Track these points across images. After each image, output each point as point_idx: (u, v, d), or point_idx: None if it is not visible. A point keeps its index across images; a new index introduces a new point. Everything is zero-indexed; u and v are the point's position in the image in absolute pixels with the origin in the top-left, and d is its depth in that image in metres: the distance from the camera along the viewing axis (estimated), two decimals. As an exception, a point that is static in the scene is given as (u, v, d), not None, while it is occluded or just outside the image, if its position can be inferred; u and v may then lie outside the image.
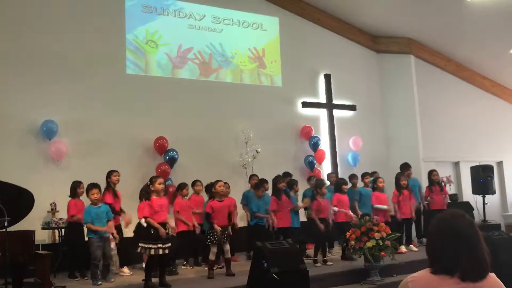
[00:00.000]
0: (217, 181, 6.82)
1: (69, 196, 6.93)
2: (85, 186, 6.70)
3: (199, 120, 9.75)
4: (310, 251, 8.01)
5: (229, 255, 6.77)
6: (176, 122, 9.50)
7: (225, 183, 7.12)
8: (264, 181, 7.96)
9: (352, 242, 6.54)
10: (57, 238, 7.61)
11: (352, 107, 11.73)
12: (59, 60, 8.66)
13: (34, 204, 6.46)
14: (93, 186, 6.37)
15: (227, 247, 6.69)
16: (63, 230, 7.33)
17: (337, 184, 8.10)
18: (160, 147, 9.10)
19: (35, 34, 8.53)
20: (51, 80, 8.54)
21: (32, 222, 7.01)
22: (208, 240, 6.61)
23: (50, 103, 8.46)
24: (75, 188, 6.90)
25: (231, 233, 6.85)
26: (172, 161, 9.11)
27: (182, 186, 7.63)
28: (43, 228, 7.50)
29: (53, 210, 7.85)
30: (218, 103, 10.10)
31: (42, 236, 7.71)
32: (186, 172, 8.98)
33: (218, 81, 10.35)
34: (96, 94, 8.87)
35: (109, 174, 7.16)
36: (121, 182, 7.47)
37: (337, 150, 11.27)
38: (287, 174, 8.71)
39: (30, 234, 6.41)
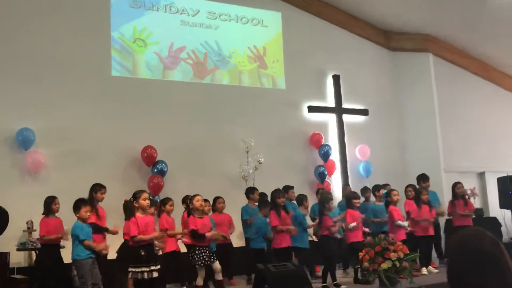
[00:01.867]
0: (195, 196, 6.83)
1: (43, 214, 6.87)
2: (65, 202, 6.66)
3: (193, 127, 9.76)
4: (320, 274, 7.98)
5: (220, 277, 6.73)
6: (167, 129, 9.50)
7: (218, 198, 7.08)
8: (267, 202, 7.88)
9: (366, 264, 6.50)
10: (34, 260, 7.55)
11: (363, 112, 11.75)
12: (36, 61, 8.67)
13: (8, 222, 6.48)
14: (85, 202, 6.34)
15: (217, 265, 6.66)
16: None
17: (348, 199, 8.07)
18: (148, 157, 9.09)
19: (8, 32, 8.56)
20: (27, 84, 8.55)
21: (6, 242, 7.02)
22: (193, 262, 6.59)
23: (26, 109, 8.46)
24: (49, 205, 6.80)
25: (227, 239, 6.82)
26: (160, 174, 9.08)
27: (165, 201, 7.58)
28: (18, 250, 7.46)
29: (30, 229, 7.80)
30: (215, 107, 10.10)
31: (18, 259, 7.66)
32: (177, 187, 8.96)
33: (214, 84, 10.36)
34: (78, 99, 8.88)
35: (95, 189, 7.01)
36: (106, 196, 7.44)
37: (347, 159, 11.27)
38: (287, 188, 8.67)
39: (3, 256, 6.41)
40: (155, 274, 5.81)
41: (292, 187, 8.72)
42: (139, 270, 5.79)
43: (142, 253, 5.83)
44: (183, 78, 10.08)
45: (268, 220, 7.54)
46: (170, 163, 9.24)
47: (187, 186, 8.78)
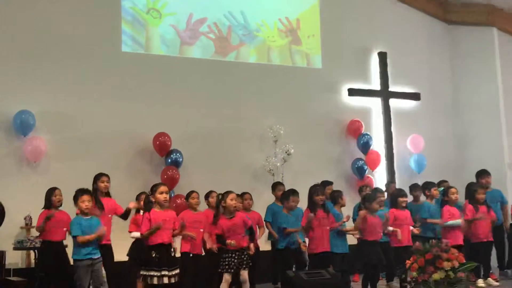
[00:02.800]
0: (228, 193, 6.82)
1: (43, 208, 7.05)
2: (68, 194, 6.79)
3: (213, 112, 9.82)
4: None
5: (247, 286, 6.78)
6: (183, 114, 9.59)
7: (244, 193, 7.11)
8: (292, 192, 7.93)
9: (414, 274, 6.45)
10: (33, 261, 7.74)
11: (414, 96, 11.66)
12: (36, 36, 8.82)
13: (4, 217, 6.64)
14: (83, 192, 6.46)
15: (245, 275, 6.70)
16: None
17: (393, 197, 8.03)
18: (161, 146, 9.20)
19: (4, 3, 8.68)
20: (26, 61, 8.71)
21: (2, 240, 7.21)
22: (221, 267, 6.63)
23: (26, 89, 8.63)
24: (49, 197, 7.01)
25: (252, 252, 6.81)
26: (175, 165, 9.19)
27: (188, 194, 7.71)
28: (15, 249, 7.63)
29: (28, 225, 7.98)
30: (239, 89, 10.14)
31: (15, 259, 7.87)
32: (192, 180, 9.04)
33: (238, 61, 10.38)
34: (83, 78, 9.01)
35: (95, 178, 7.25)
36: (114, 191, 7.57)
37: (394, 152, 11.20)
38: (326, 183, 8.66)
39: (-1, 256, 6.59)
40: (166, 280, 5.87)
41: (331, 183, 8.70)
42: (149, 273, 5.89)
43: (153, 255, 5.91)
44: (203, 55, 10.13)
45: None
46: (185, 153, 9.32)
47: (205, 179, 8.86)
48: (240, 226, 6.71)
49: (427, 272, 6.34)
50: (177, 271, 6.01)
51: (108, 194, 7.23)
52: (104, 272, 6.86)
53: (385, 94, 11.36)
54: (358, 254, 7.59)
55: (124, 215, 7.21)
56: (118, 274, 7.73)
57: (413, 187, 8.93)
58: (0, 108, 8.43)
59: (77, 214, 6.40)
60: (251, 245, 6.84)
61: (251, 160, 9.85)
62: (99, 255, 6.36)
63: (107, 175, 7.33)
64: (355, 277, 8.98)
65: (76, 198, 6.36)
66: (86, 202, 6.33)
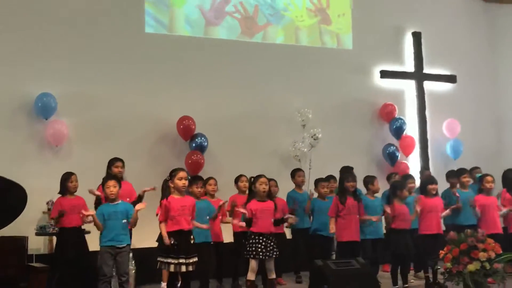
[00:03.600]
0: (259, 177, 6.88)
1: (58, 193, 7.20)
2: (91, 179, 6.94)
3: (239, 95, 9.86)
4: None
5: (273, 275, 6.85)
6: (208, 97, 9.63)
7: (269, 180, 7.16)
8: (328, 177, 7.98)
9: (448, 264, 6.44)
10: (54, 246, 7.88)
11: (450, 78, 11.56)
12: (58, 17, 8.93)
13: (26, 202, 6.78)
14: (107, 178, 6.59)
15: (271, 264, 6.76)
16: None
17: (422, 184, 8.02)
18: (185, 130, 9.27)
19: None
20: (48, 43, 8.82)
21: (24, 226, 7.33)
22: (248, 253, 6.70)
23: (47, 71, 8.75)
24: (64, 182, 7.15)
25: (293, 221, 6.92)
26: (199, 150, 9.27)
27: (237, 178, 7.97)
28: (37, 234, 7.81)
29: (50, 210, 8.09)
30: (266, 71, 10.15)
31: (37, 244, 8.03)
32: (217, 165, 9.13)
33: (265, 43, 10.39)
34: (105, 60, 9.11)
35: (110, 163, 7.44)
36: (136, 176, 7.67)
37: (428, 137, 11.14)
38: (349, 168, 8.63)
39: (21, 241, 6.72)
40: (183, 268, 5.98)
41: (351, 169, 8.69)
42: (166, 260, 6.00)
43: (172, 242, 6.01)
44: (228, 35, 10.15)
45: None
46: (210, 137, 9.40)
47: (230, 164, 8.92)
48: (270, 211, 6.79)
49: (462, 263, 6.32)
50: (195, 259, 6.11)
51: (121, 179, 7.30)
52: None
53: (419, 76, 11.28)
54: (386, 243, 7.63)
55: (136, 203, 7.27)
56: (146, 261, 7.93)
57: (450, 174, 8.89)
58: (21, 90, 8.55)
59: (102, 201, 6.58)
60: (291, 219, 6.96)
61: (278, 145, 9.89)
62: (126, 243, 6.47)
63: (121, 160, 7.51)
64: (385, 266, 9.00)
65: (102, 184, 6.51)
66: (111, 187, 6.45)
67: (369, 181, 7.91)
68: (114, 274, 6.52)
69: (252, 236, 6.68)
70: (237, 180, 8.07)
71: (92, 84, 8.96)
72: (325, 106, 10.29)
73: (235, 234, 7.95)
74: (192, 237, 6.16)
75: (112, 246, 6.35)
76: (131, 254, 7.61)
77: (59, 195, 7.23)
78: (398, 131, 10.73)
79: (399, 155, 10.64)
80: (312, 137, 9.74)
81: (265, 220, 6.71)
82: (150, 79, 9.35)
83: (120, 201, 6.53)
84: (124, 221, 6.45)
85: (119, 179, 6.86)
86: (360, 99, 10.76)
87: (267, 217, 6.73)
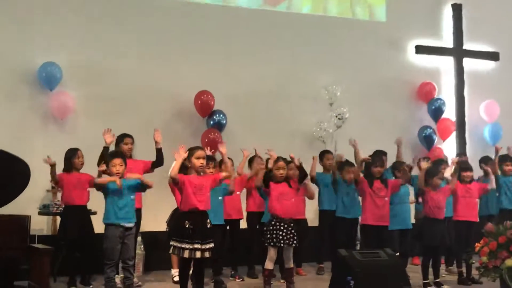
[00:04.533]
0: (276, 160, 6.89)
1: (63, 170, 7.18)
2: (97, 155, 6.94)
3: (261, 69, 9.82)
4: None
5: (291, 264, 6.84)
6: (227, 71, 9.62)
7: (289, 163, 7.13)
8: (348, 163, 7.93)
9: (484, 258, 6.38)
10: (58, 227, 7.93)
11: (493, 56, 11.47)
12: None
13: (29, 179, 6.82)
14: (114, 155, 6.59)
15: (290, 253, 6.76)
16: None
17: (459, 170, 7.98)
18: (204, 106, 9.26)
19: None
20: (53, 7, 8.83)
21: (26, 204, 7.41)
22: (267, 239, 6.69)
23: (52, 39, 8.76)
24: (69, 159, 7.14)
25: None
26: (217, 128, 9.28)
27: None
28: (40, 213, 7.87)
29: (54, 188, 8.16)
30: (290, 44, 10.09)
31: (40, 224, 8.12)
32: (236, 145, 9.04)
33: (290, 12, 10.32)
34: (116, 28, 9.11)
35: (118, 140, 7.43)
36: (149, 155, 7.66)
37: (466, 120, 11.07)
38: (381, 153, 8.57)
39: (23, 221, 6.77)
40: (198, 254, 5.96)
41: (383, 153, 8.61)
42: (180, 245, 5.98)
43: (187, 226, 5.99)
44: (250, 4, 10.10)
45: None
46: (230, 114, 9.41)
47: (250, 144, 8.85)
48: (291, 194, 6.82)
49: (499, 258, 6.26)
50: (211, 245, 6.09)
51: (131, 157, 7.35)
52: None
53: (458, 52, 11.21)
54: (418, 234, 7.58)
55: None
56: (155, 245, 7.97)
57: (483, 160, 8.79)
58: (24, 59, 8.58)
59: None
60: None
61: (301, 124, 9.86)
62: (133, 224, 6.50)
63: (131, 136, 7.51)
64: (415, 259, 8.95)
65: (107, 162, 6.50)
66: (117, 166, 6.45)
67: (399, 166, 7.90)
68: None
69: (273, 223, 6.68)
70: (251, 161, 8.05)
71: (101, 53, 8.96)
72: (355, 84, 10.21)
73: (249, 216, 8.00)
74: (209, 220, 6.12)
75: (118, 225, 6.36)
76: (139, 238, 7.68)
77: (62, 172, 7.19)
78: (437, 113, 10.69)
79: (436, 138, 10.60)
80: (337, 116, 9.68)
81: (286, 203, 6.72)
82: (165, 50, 9.34)
83: (124, 179, 6.55)
84: (132, 197, 6.49)
85: (125, 156, 6.84)
86: (394, 76, 10.69)
87: (288, 199, 6.73)
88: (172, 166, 5.97)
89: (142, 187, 6.52)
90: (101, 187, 6.39)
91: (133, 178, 6.53)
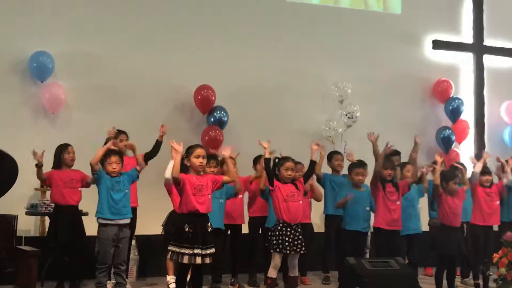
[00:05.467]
0: (284, 160, 6.87)
1: (52, 168, 7.21)
2: (91, 151, 6.95)
3: (266, 63, 9.83)
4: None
5: (296, 273, 6.84)
6: (230, 64, 9.61)
7: (297, 163, 7.15)
8: (360, 164, 7.90)
9: (502, 270, 6.39)
10: (47, 228, 7.95)
11: (515, 53, 11.44)
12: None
13: (17, 176, 6.82)
14: (110, 152, 6.62)
15: (295, 260, 6.77)
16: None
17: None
18: (203, 101, 9.26)
19: None
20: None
21: (13, 203, 7.42)
22: (272, 246, 6.69)
23: (44, 27, 8.76)
24: (59, 155, 7.17)
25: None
26: (218, 125, 9.28)
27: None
28: (28, 213, 7.86)
29: (44, 187, 8.14)
30: (299, 37, 10.11)
31: (27, 225, 8.13)
32: (238, 143, 8.99)
33: (299, 2, 10.31)
34: (113, 16, 9.12)
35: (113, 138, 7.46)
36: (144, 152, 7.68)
37: (485, 121, 11.07)
38: (393, 153, 8.57)
39: (9, 220, 6.80)
40: (198, 260, 5.96)
41: (398, 153, 8.61)
42: (179, 250, 5.97)
43: (186, 229, 5.99)
44: (256, -7, 10.10)
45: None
46: (232, 111, 9.41)
47: (253, 143, 8.85)
48: (299, 195, 6.82)
49: (520, 270, 6.27)
50: (212, 250, 6.09)
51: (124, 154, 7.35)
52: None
53: (478, 49, 11.20)
54: (432, 242, 7.58)
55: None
56: (150, 250, 7.98)
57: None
58: (13, 48, 8.59)
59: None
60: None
61: (309, 123, 9.86)
62: (129, 217, 6.57)
63: (125, 133, 7.56)
64: (427, 269, 8.95)
65: (102, 160, 6.53)
66: (113, 164, 6.50)
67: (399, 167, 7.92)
68: None
69: (279, 227, 6.68)
70: (256, 161, 8.06)
71: (96, 42, 8.96)
72: (366, 80, 10.23)
73: (251, 221, 8.01)
74: (209, 224, 6.12)
75: (112, 225, 6.38)
76: (134, 242, 7.68)
77: (51, 169, 7.22)
78: (455, 113, 10.65)
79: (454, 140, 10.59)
80: (347, 115, 9.68)
81: (293, 205, 6.71)
82: (164, 39, 9.35)
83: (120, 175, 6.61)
84: (127, 190, 6.58)
85: (122, 154, 6.88)
86: (408, 73, 10.68)
87: (295, 201, 6.73)
88: (171, 166, 5.97)
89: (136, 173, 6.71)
90: (95, 178, 6.46)
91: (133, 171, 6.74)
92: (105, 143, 7.02)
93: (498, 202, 7.89)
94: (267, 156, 6.80)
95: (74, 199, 7.11)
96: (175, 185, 6.07)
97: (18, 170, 6.72)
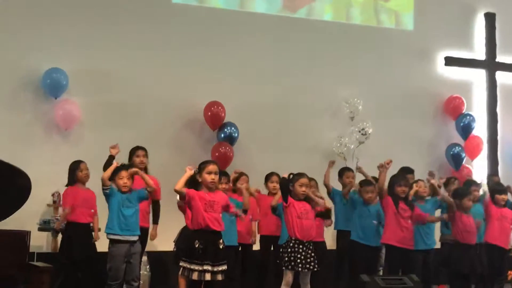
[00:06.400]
0: (299, 177, 6.86)
1: (66, 185, 7.28)
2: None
3: (277, 80, 9.85)
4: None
5: None
6: (241, 81, 9.68)
7: (311, 180, 7.15)
8: (368, 183, 7.88)
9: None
10: (59, 244, 7.97)
11: (528, 69, 11.40)
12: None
13: (29, 193, 6.86)
14: (121, 167, 6.65)
15: (307, 278, 6.75)
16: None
17: (491, 192, 7.99)
18: (213, 118, 9.30)
19: None
20: (59, 10, 8.91)
21: (26, 219, 7.44)
22: (285, 263, 6.68)
23: (58, 43, 8.84)
24: (73, 171, 7.22)
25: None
26: (228, 142, 9.29)
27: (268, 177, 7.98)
28: (40, 229, 7.91)
29: (56, 203, 8.21)
30: (310, 53, 10.15)
31: (39, 241, 8.11)
32: (248, 160, 9.15)
33: (310, 19, 10.37)
34: (125, 33, 9.19)
35: (131, 153, 7.51)
36: (156, 169, 7.71)
37: (498, 138, 11.06)
38: (407, 171, 8.57)
39: (22, 236, 6.81)
40: (208, 277, 5.95)
41: (411, 171, 8.60)
42: (189, 266, 5.97)
43: (197, 245, 5.99)
44: (268, 9, 10.15)
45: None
46: (242, 127, 9.43)
47: (263, 159, 8.92)
48: (312, 213, 6.77)
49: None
50: (224, 267, 6.07)
51: (145, 170, 7.38)
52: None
53: (491, 65, 11.21)
54: (446, 259, 7.55)
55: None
56: (162, 266, 7.99)
57: None
58: (28, 65, 8.65)
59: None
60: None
61: (320, 140, 9.86)
62: (137, 237, 6.57)
63: (144, 149, 7.55)
64: (440, 287, 8.91)
65: (114, 174, 6.56)
66: (124, 179, 6.52)
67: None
68: None
69: (291, 244, 6.66)
70: (267, 178, 8.07)
71: (109, 60, 9.03)
72: (378, 97, 10.24)
73: (262, 239, 8.01)
74: (221, 241, 6.11)
75: (123, 241, 6.43)
76: (145, 258, 7.70)
77: (67, 187, 7.29)
78: (466, 130, 10.64)
79: (465, 157, 10.57)
80: (360, 131, 9.68)
81: (306, 223, 6.69)
82: (175, 57, 9.39)
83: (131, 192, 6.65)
84: (137, 208, 6.62)
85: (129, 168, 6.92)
86: (420, 89, 10.67)
87: (308, 219, 6.72)
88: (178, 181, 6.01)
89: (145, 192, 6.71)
90: (107, 194, 6.49)
91: (147, 181, 6.67)
92: (108, 160, 7.08)
93: (511, 226, 7.83)
94: (285, 175, 6.81)
95: (88, 218, 7.17)
96: (181, 199, 6.12)
97: (31, 187, 6.77)
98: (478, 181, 8.82)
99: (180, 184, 5.92)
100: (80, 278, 7.16)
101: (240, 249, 7.73)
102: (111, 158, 7.16)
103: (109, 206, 6.56)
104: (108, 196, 6.55)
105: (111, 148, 7.21)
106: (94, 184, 7.21)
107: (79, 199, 7.14)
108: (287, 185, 6.75)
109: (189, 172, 6.02)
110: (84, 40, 8.96)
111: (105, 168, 6.86)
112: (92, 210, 7.21)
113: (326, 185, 8.06)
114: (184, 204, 6.16)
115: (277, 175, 7.77)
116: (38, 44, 8.76)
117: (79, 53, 8.91)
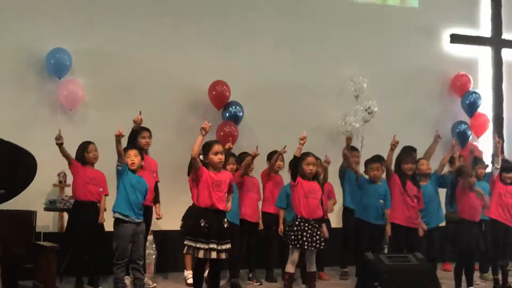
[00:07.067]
0: (305, 156, 6.89)
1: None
2: (109, 150, 7.00)
3: (281, 59, 9.85)
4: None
5: (314, 269, 6.88)
6: (245, 60, 9.66)
7: (316, 159, 7.17)
8: (375, 159, 7.89)
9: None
10: (65, 224, 8.02)
11: (533, 46, 11.35)
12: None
13: (35, 172, 6.90)
14: (129, 147, 6.67)
15: (313, 256, 6.79)
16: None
17: (500, 170, 7.95)
18: (218, 97, 9.30)
19: None
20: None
21: (32, 199, 7.48)
22: (291, 241, 6.72)
23: (61, 23, 8.83)
24: (81, 152, 7.18)
25: (325, 236, 6.92)
26: (233, 121, 9.31)
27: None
28: (46, 209, 7.94)
29: (62, 183, 8.29)
30: (315, 32, 10.11)
31: (45, 221, 8.20)
32: (253, 139, 9.13)
33: (315, -3, 10.32)
34: (129, 13, 9.18)
35: (135, 134, 7.48)
36: (160, 148, 7.72)
37: (504, 116, 11.05)
38: (410, 149, 8.57)
39: (28, 216, 6.85)
40: (214, 255, 5.99)
41: (414, 150, 8.59)
42: (195, 245, 6.01)
43: (202, 224, 6.02)
44: (272, -12, 10.09)
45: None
46: (247, 107, 9.43)
47: (268, 139, 8.88)
48: (319, 193, 6.84)
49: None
50: (228, 245, 6.11)
51: (146, 153, 7.42)
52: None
53: (496, 42, 11.18)
54: (451, 237, 7.57)
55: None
56: (168, 245, 8.03)
57: None
58: (31, 45, 8.65)
59: None
60: (324, 229, 6.95)
61: (325, 119, 9.84)
62: (141, 220, 6.61)
63: (148, 130, 7.57)
64: (446, 265, 8.94)
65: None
66: (132, 157, 6.55)
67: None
68: None
69: (297, 223, 6.70)
70: (270, 156, 8.09)
71: (113, 39, 9.03)
72: (384, 75, 10.21)
73: (264, 217, 8.05)
74: (226, 220, 6.15)
75: (129, 222, 6.47)
76: (151, 237, 7.75)
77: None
78: (472, 107, 10.64)
79: (470, 135, 10.57)
80: (366, 110, 9.67)
81: (312, 202, 6.73)
82: (179, 36, 9.39)
83: (139, 176, 6.66)
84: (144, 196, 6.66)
85: (139, 148, 6.95)
86: (426, 67, 10.65)
87: (315, 198, 6.75)
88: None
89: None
90: (119, 169, 6.53)
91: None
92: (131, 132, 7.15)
93: None
94: (297, 154, 6.84)
95: (96, 196, 7.14)
96: (193, 168, 6.09)
97: (37, 166, 6.80)
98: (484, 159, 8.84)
99: (196, 149, 5.95)
100: (87, 257, 7.16)
101: (247, 227, 7.77)
102: (134, 131, 7.29)
103: (119, 184, 6.57)
104: (120, 174, 6.56)
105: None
106: (100, 162, 7.25)
107: (89, 177, 7.11)
108: (295, 164, 6.80)
109: (207, 130, 6.09)
110: (88, 20, 8.95)
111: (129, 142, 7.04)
112: (101, 189, 7.18)
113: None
114: (197, 175, 6.11)
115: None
116: (41, 25, 8.74)
117: (83, 33, 8.89)
